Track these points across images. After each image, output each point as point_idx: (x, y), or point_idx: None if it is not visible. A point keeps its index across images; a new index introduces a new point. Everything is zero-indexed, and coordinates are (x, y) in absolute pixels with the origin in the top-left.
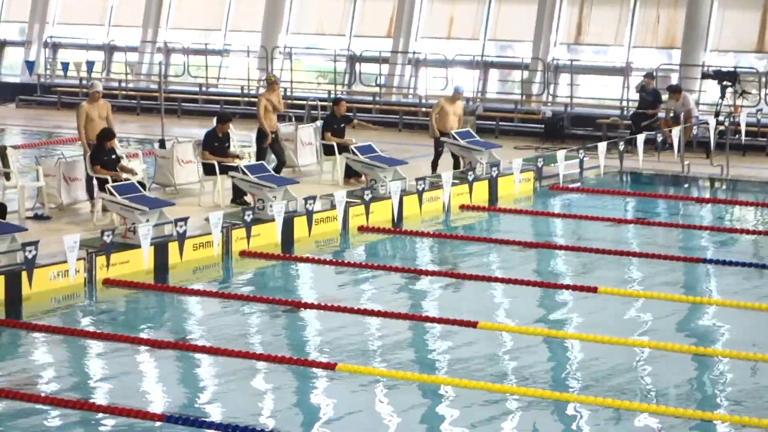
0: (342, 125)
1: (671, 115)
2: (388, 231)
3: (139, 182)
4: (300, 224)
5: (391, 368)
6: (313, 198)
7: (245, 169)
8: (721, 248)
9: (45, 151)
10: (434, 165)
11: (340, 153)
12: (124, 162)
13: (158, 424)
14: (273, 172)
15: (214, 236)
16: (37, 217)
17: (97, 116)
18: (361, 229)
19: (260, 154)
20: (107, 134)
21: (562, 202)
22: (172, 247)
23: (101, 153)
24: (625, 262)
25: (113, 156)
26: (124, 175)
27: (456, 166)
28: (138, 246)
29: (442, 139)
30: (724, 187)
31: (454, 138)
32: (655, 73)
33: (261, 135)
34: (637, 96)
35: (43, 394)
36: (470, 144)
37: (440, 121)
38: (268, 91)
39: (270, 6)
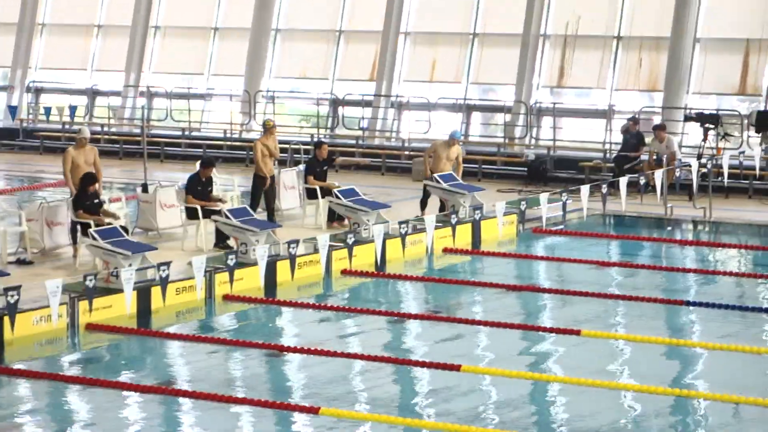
0: (324, 168)
1: (654, 157)
2: (371, 274)
3: (121, 226)
4: (283, 268)
5: (374, 412)
6: (296, 242)
7: (228, 213)
8: (703, 291)
9: (27, 195)
10: (423, 204)
11: (323, 196)
12: (106, 206)
13: None
14: (255, 216)
15: (198, 280)
16: (20, 262)
17: (83, 162)
18: (344, 272)
19: (255, 200)
20: (89, 179)
21: (546, 244)
22: (155, 292)
23: (84, 198)
24: (609, 304)
25: (96, 200)
26: (107, 220)
27: (443, 208)
28: (121, 290)
29: (425, 182)
30: (707, 229)
31: (437, 181)
32: (638, 117)
33: (258, 179)
34: (620, 139)
35: None
36: (453, 187)
37: (433, 164)
38: (265, 136)
39: (253, 50)
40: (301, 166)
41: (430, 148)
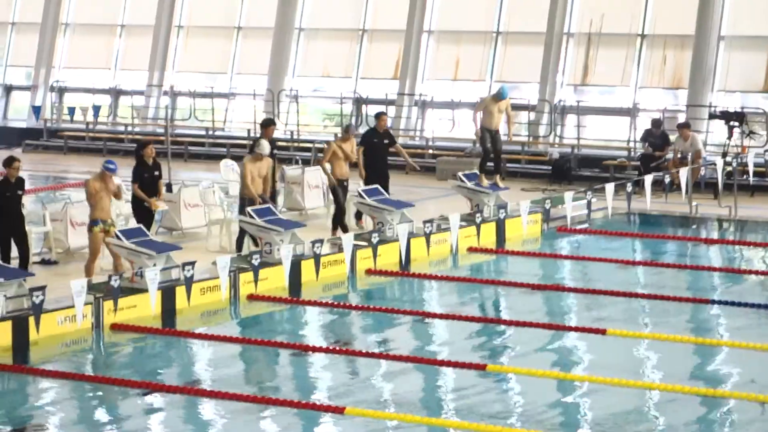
0: (385, 142)
1: (679, 155)
2: (395, 274)
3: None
4: (308, 267)
5: (399, 411)
6: (321, 241)
7: (252, 213)
8: (729, 289)
9: (52, 195)
10: (482, 165)
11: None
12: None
13: None
14: (279, 216)
15: (222, 280)
16: (44, 262)
17: (257, 174)
18: (369, 272)
19: (339, 206)
20: (146, 143)
21: (570, 243)
22: (180, 292)
23: (143, 166)
24: (634, 303)
25: (156, 172)
26: (160, 204)
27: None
28: (145, 290)
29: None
30: (732, 227)
31: (462, 180)
32: (662, 118)
33: (334, 185)
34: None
35: None
36: (478, 186)
37: (486, 119)
38: (341, 139)
39: (276, 49)
40: (328, 165)
41: (480, 104)
